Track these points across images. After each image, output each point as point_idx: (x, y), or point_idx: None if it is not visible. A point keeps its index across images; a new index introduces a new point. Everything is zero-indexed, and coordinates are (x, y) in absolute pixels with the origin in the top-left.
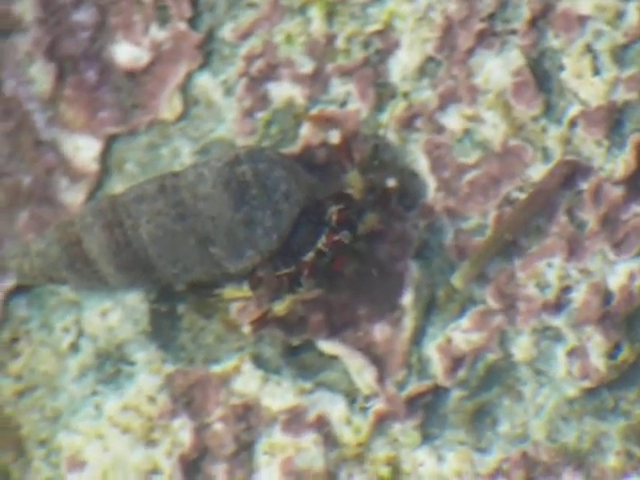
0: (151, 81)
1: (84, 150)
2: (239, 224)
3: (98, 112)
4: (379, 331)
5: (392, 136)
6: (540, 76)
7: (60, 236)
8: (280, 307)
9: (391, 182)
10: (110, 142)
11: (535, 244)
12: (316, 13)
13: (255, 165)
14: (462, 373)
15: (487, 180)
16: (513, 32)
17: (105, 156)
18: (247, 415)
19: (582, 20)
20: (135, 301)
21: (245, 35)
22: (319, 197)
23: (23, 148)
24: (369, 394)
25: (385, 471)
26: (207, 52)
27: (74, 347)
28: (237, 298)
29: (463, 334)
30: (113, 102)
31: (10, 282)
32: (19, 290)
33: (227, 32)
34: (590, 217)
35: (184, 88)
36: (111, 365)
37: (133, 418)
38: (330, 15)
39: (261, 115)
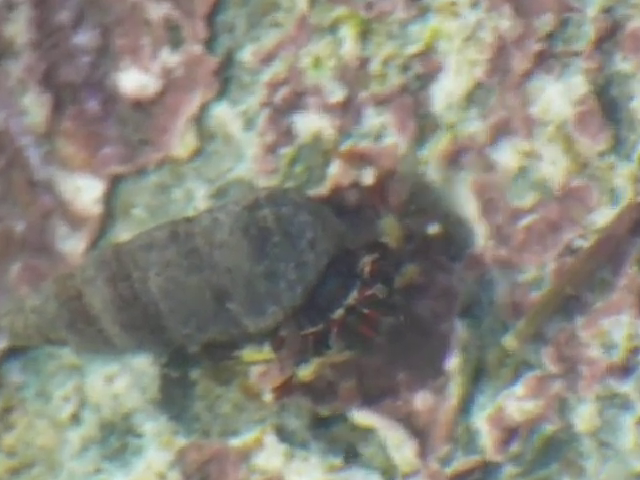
0: (161, 113)
1: (85, 192)
2: (260, 276)
3: (101, 148)
4: (420, 399)
5: (435, 175)
6: (607, 105)
7: (58, 290)
8: (306, 372)
9: (433, 228)
10: (115, 183)
11: (600, 299)
12: (348, 32)
13: (277, 209)
14: (515, 447)
15: (545, 226)
16: (576, 54)
17: (109, 199)
18: None
19: None
20: (144, 365)
21: (268, 59)
22: (350, 246)
23: (15, 189)
24: (409, 472)
25: None
26: (225, 79)
27: (75, 418)
28: (258, 361)
29: (517, 402)
30: (118, 137)
31: (2, 343)
32: (12, 353)
33: (247, 56)
34: None
35: (199, 120)
36: (117, 438)
37: None
38: (364, 35)
39: (285, 151)
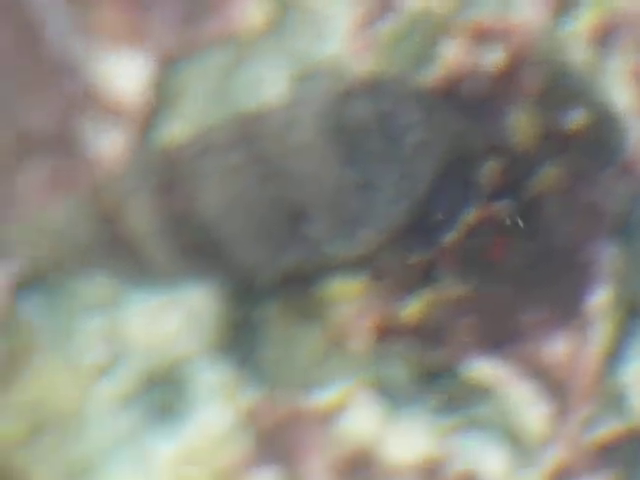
0: None
1: (124, 74)
2: (350, 189)
3: (147, 16)
4: (556, 346)
5: (581, 57)
6: None
7: (90, 205)
8: (411, 310)
9: (577, 121)
10: (164, 63)
11: None
12: None
13: (376, 102)
14: None
15: None
16: None
17: (157, 85)
18: (362, 469)
19: None
20: (199, 300)
21: None
22: (469, 150)
23: (30, 73)
24: (540, 438)
25: None
26: None
27: (107, 367)
28: (348, 297)
29: None
30: (170, 3)
31: (16, 272)
32: (29, 284)
33: None
34: None
35: None
36: (162, 393)
37: (196, 472)
38: None
39: (385, 26)
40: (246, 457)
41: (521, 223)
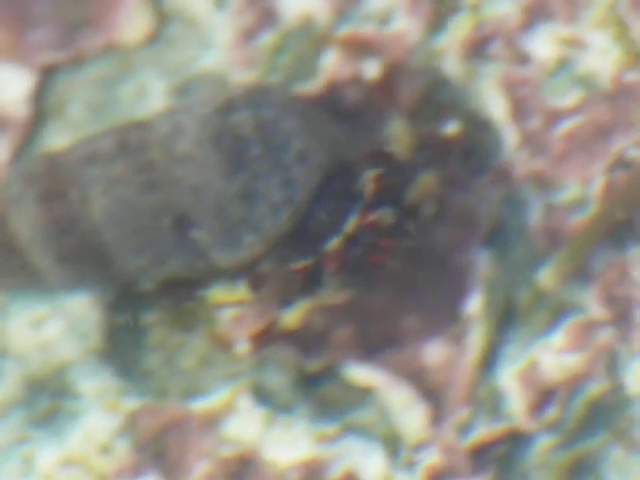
0: None
1: (9, 86)
2: (234, 198)
3: (29, 31)
4: (433, 352)
5: (454, 68)
6: None
7: None
8: (292, 317)
9: (452, 128)
10: (47, 74)
11: None
12: None
13: (257, 112)
14: (553, 412)
15: (592, 131)
16: None
17: (39, 95)
18: (243, 472)
19: None
20: (82, 307)
21: None
22: (349, 158)
23: None
24: (418, 442)
25: None
26: None
27: None
28: (230, 303)
29: (555, 356)
30: (51, 16)
31: None
32: None
33: None
34: None
35: None
36: (47, 399)
37: (79, 477)
38: None
39: (266, 38)
40: (128, 463)
41: (400, 229)
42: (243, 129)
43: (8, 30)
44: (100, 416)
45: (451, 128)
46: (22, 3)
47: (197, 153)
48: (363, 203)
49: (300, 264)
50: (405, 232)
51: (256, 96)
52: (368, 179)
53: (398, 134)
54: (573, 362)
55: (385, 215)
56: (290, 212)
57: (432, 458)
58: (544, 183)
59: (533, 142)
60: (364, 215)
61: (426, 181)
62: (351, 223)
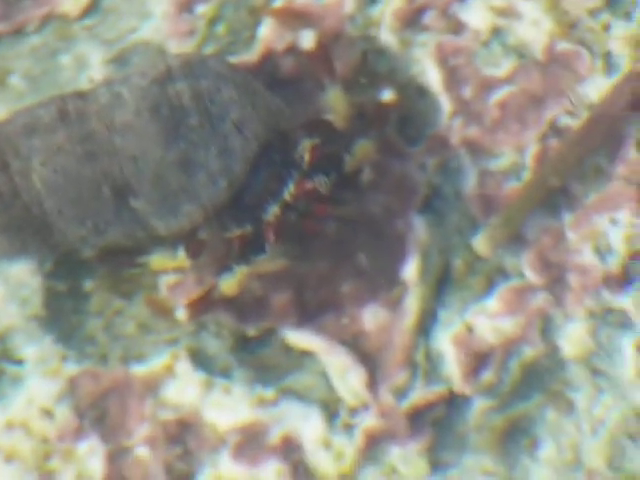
0: None
1: None
2: (172, 167)
3: None
4: (370, 316)
5: (389, 38)
6: None
7: None
8: (230, 283)
9: (387, 96)
10: None
11: (593, 192)
12: None
13: (195, 82)
14: (488, 375)
15: (525, 100)
16: None
17: None
18: (183, 436)
19: None
20: (22, 274)
21: None
22: (286, 127)
23: None
24: (355, 405)
25: None
26: None
27: None
28: (169, 269)
29: (490, 320)
30: None
31: None
32: None
33: None
34: None
35: None
36: None
37: (21, 440)
38: None
39: (203, 8)
40: (70, 427)
41: (337, 197)
42: (181, 99)
43: None
44: (41, 381)
45: (387, 96)
46: None
47: (136, 123)
48: (301, 171)
49: (238, 232)
50: (342, 200)
51: (193, 66)
52: (305, 148)
53: (335, 103)
54: (508, 326)
55: (322, 182)
56: (228, 181)
57: (370, 421)
58: (479, 150)
59: (467, 110)
60: (301, 183)
61: (364, 148)
62: (289, 191)
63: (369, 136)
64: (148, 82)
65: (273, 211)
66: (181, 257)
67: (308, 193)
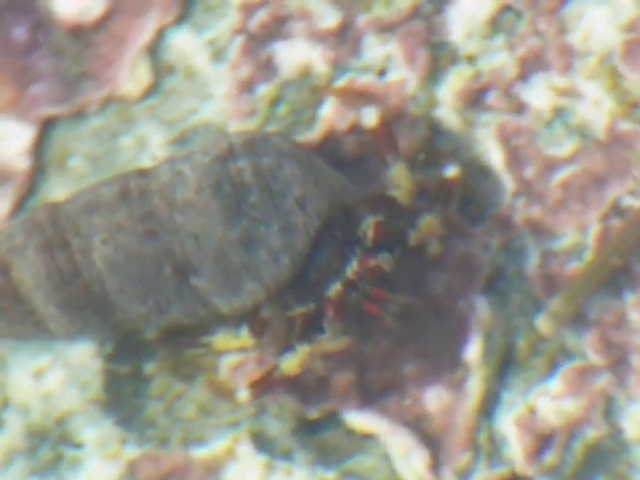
0: (106, 41)
1: (10, 139)
2: (234, 245)
3: (30, 85)
4: (433, 398)
5: (452, 117)
6: None
7: None
8: (291, 362)
9: (452, 171)
10: (47, 128)
11: None
12: None
13: (257, 160)
14: (551, 457)
15: (587, 180)
16: None
17: (40, 147)
18: None
19: None
20: (83, 356)
21: None
22: (349, 204)
23: None
24: None
25: None
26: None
27: None
28: (231, 350)
29: (553, 401)
30: (52, 71)
31: None
32: None
33: None
34: None
35: (154, 51)
36: (49, 448)
37: None
38: None
39: (265, 89)
40: None
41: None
42: (243, 176)
43: (10, 86)
44: (101, 464)
45: (450, 172)
46: (24, 59)
47: (198, 200)
48: (364, 248)
49: (301, 310)
50: (403, 281)
51: (255, 143)
52: (369, 224)
53: (398, 179)
54: (571, 408)
55: (385, 260)
56: (290, 258)
57: None
58: (541, 230)
59: (530, 190)
60: (364, 260)
61: (429, 222)
62: (352, 269)
63: (433, 211)
64: (210, 159)
65: (335, 288)
66: (244, 336)
67: (371, 270)
